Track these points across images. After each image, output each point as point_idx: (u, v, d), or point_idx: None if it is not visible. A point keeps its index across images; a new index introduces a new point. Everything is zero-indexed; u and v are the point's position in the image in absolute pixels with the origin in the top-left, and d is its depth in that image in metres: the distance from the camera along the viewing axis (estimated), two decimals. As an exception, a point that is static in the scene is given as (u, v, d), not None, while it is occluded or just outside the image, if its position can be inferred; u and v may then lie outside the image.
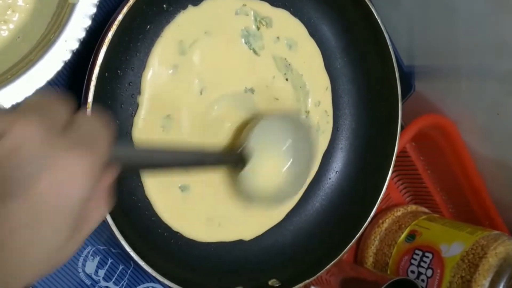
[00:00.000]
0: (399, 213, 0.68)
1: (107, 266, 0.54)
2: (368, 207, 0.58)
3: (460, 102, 0.66)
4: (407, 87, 0.66)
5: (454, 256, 0.58)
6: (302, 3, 0.57)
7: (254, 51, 0.55)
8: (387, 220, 0.67)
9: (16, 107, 0.36)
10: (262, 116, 0.53)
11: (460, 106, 0.66)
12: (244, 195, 0.52)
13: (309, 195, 0.60)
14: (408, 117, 0.64)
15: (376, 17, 0.56)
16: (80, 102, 0.45)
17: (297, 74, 0.57)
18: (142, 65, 0.49)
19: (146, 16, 0.49)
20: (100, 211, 0.31)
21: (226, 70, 0.53)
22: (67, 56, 0.41)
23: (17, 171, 0.26)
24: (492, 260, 0.56)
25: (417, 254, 0.61)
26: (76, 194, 0.27)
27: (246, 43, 0.54)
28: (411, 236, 0.64)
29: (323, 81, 0.59)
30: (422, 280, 0.60)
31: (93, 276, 0.53)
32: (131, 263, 0.54)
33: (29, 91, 0.40)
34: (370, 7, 0.56)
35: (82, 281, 0.53)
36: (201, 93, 0.52)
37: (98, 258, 0.53)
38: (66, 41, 0.41)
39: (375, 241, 0.66)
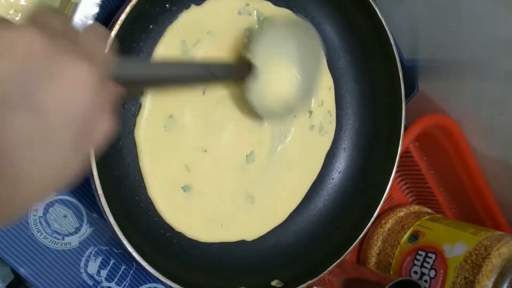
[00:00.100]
0: (402, 214, 0.68)
1: (109, 266, 0.54)
2: (371, 207, 0.58)
3: (464, 102, 0.66)
4: (411, 87, 0.66)
5: (457, 257, 0.58)
6: (305, 2, 0.57)
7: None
8: (390, 220, 0.67)
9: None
10: (263, 26, 0.52)
11: (463, 106, 0.66)
12: (254, 107, 0.52)
13: (312, 195, 0.60)
14: (411, 117, 0.63)
15: (380, 16, 0.56)
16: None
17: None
18: (145, 65, 0.49)
19: (148, 16, 0.48)
20: (105, 125, 0.29)
21: (229, 69, 0.53)
22: (70, 55, 0.41)
23: (20, 84, 0.25)
24: (495, 260, 0.56)
25: (420, 255, 0.61)
26: (79, 103, 0.26)
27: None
28: (414, 236, 0.64)
29: (326, 80, 0.59)
30: (425, 281, 0.60)
31: (95, 277, 0.53)
32: (133, 263, 0.54)
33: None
34: (374, 6, 0.55)
35: (84, 281, 0.53)
36: (203, 93, 0.52)
37: (100, 258, 0.53)
38: (68, 40, 0.41)
39: (378, 241, 0.66)
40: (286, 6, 0.56)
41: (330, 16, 0.58)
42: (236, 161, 0.55)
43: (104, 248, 0.53)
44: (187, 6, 0.51)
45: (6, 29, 0.25)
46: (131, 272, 0.55)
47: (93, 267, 0.53)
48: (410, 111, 0.61)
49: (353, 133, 0.61)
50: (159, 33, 0.49)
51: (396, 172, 0.59)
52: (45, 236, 0.51)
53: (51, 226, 0.51)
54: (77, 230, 0.52)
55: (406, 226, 0.65)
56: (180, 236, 0.52)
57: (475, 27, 0.58)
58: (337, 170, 0.61)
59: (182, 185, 0.52)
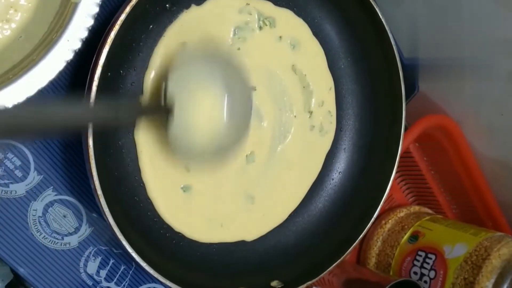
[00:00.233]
0: (402, 214, 0.68)
1: (109, 266, 0.54)
2: (371, 208, 0.58)
3: (464, 102, 0.66)
4: (411, 87, 0.66)
5: (457, 258, 0.58)
6: (305, 2, 0.57)
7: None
8: (390, 221, 0.67)
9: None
10: (179, 57, 0.48)
11: (463, 106, 0.66)
12: (180, 149, 0.47)
13: (312, 196, 0.60)
14: (411, 117, 0.63)
15: (380, 17, 0.56)
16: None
17: (301, 74, 0.57)
18: (145, 65, 0.49)
19: (149, 16, 0.48)
20: None
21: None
22: (70, 55, 0.41)
23: None
24: (495, 261, 0.56)
25: (420, 255, 0.61)
26: None
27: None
28: (414, 237, 0.64)
29: (326, 81, 0.59)
30: (425, 282, 0.60)
31: (95, 277, 0.53)
32: (133, 263, 0.54)
33: (31, 91, 0.40)
34: (374, 6, 0.55)
35: (83, 281, 0.53)
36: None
37: (99, 258, 0.53)
38: (68, 40, 0.41)
39: (377, 242, 0.66)
40: (287, 6, 0.56)
41: (331, 16, 0.58)
42: (236, 161, 0.55)
43: (103, 248, 0.53)
44: (187, 6, 0.50)
45: None
46: (130, 272, 0.55)
47: (92, 267, 0.53)
48: (411, 111, 0.61)
49: (353, 133, 0.61)
50: (159, 33, 0.49)
51: (396, 172, 0.59)
52: (44, 236, 0.50)
53: (50, 226, 0.51)
54: (77, 230, 0.52)
55: (406, 226, 0.65)
56: (179, 237, 0.52)
57: (475, 27, 0.58)
58: (337, 171, 0.61)
59: (182, 186, 0.52)
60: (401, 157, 0.59)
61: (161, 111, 0.45)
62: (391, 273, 0.64)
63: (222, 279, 0.54)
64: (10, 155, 0.48)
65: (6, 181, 0.48)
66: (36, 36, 0.43)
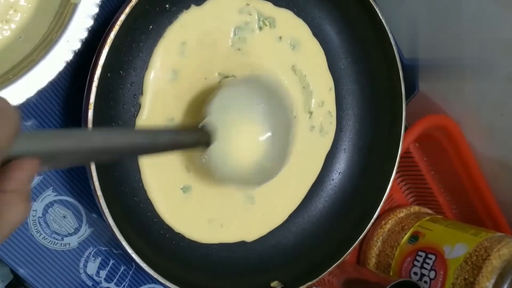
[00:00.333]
0: (402, 214, 0.68)
1: (109, 267, 0.54)
2: (371, 208, 0.58)
3: (464, 103, 0.66)
4: (411, 88, 0.66)
5: (458, 258, 0.58)
6: (305, 2, 0.57)
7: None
8: (390, 221, 0.67)
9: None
10: (224, 84, 0.48)
11: (463, 107, 0.66)
12: (218, 176, 0.49)
13: (312, 196, 0.60)
14: (411, 117, 0.63)
15: (380, 17, 0.56)
16: (82, 103, 0.45)
17: (301, 74, 0.57)
18: (145, 66, 0.49)
19: (148, 16, 0.48)
20: (16, 209, 0.27)
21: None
22: (69, 56, 0.41)
23: None
24: (495, 262, 0.56)
25: (420, 256, 0.61)
26: None
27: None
28: (414, 237, 0.63)
29: (326, 81, 0.59)
30: (425, 282, 0.60)
31: (95, 277, 0.53)
32: (133, 264, 0.54)
33: (31, 92, 0.40)
34: (374, 6, 0.55)
35: (83, 282, 0.53)
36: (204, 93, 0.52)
37: (99, 259, 0.53)
38: (68, 41, 0.41)
39: (377, 242, 0.66)
40: (287, 7, 0.56)
41: (331, 16, 0.58)
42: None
43: (103, 248, 0.53)
44: (187, 7, 0.50)
45: None
46: (130, 272, 0.55)
47: (92, 268, 0.53)
48: (411, 111, 0.61)
49: (353, 134, 0.61)
50: (159, 34, 0.49)
51: (396, 172, 0.59)
52: (44, 236, 0.50)
53: (50, 226, 0.51)
54: (76, 230, 0.52)
55: (406, 227, 0.65)
56: (179, 237, 0.52)
57: (475, 27, 0.58)
58: (337, 171, 0.61)
59: (181, 186, 0.52)
60: (401, 157, 0.59)
61: (202, 140, 0.45)
62: (391, 273, 0.64)
63: (222, 280, 0.54)
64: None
65: (6, 182, 0.48)
66: (36, 37, 0.43)
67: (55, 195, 0.51)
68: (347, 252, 0.57)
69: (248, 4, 0.53)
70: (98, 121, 0.44)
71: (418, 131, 0.65)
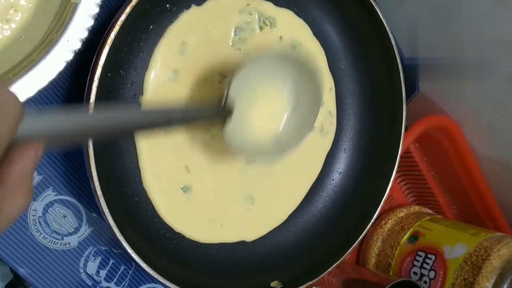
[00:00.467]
0: (402, 214, 0.68)
1: (109, 266, 0.54)
2: (371, 208, 0.58)
3: (464, 103, 0.66)
4: (411, 88, 0.66)
5: (457, 258, 0.58)
6: (306, 2, 0.57)
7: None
8: (390, 221, 0.67)
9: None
10: (247, 59, 0.48)
11: (464, 107, 0.66)
12: (233, 149, 0.49)
13: (312, 196, 0.60)
14: (412, 117, 0.63)
15: (381, 17, 0.56)
16: (82, 103, 0.44)
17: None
18: (145, 65, 0.49)
19: (149, 16, 0.48)
20: (16, 201, 0.26)
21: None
22: (70, 56, 0.41)
23: None
24: (495, 262, 0.56)
25: (420, 256, 0.61)
26: None
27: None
28: (414, 237, 0.63)
29: (327, 81, 0.59)
30: (425, 282, 0.60)
31: (95, 277, 0.53)
32: (133, 263, 0.54)
33: (31, 92, 0.40)
34: (375, 7, 0.55)
35: (83, 281, 0.53)
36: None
37: (99, 258, 0.53)
38: (68, 41, 0.41)
39: (377, 242, 0.66)
40: (287, 7, 0.56)
41: (331, 16, 0.58)
42: (237, 162, 0.55)
43: (103, 248, 0.53)
44: (187, 6, 0.50)
45: None
46: (130, 272, 0.55)
47: (92, 267, 0.53)
48: (411, 111, 0.61)
49: (353, 134, 0.61)
50: (159, 34, 0.49)
51: (397, 172, 0.59)
52: (44, 236, 0.50)
53: (50, 226, 0.51)
54: (76, 230, 0.52)
55: (406, 226, 0.65)
56: (179, 237, 0.52)
57: (475, 27, 0.58)
58: (337, 171, 0.61)
59: (182, 186, 0.52)
60: (401, 157, 0.59)
61: (220, 114, 0.45)
62: (391, 273, 0.64)
63: (222, 280, 0.54)
64: (10, 155, 0.48)
65: (6, 181, 0.48)
66: (36, 37, 0.43)
67: (55, 195, 0.51)
68: (347, 252, 0.57)
69: (248, 4, 0.53)
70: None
71: (418, 131, 0.65)
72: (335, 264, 0.56)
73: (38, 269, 0.51)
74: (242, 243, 0.56)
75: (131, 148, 0.49)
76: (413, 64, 0.66)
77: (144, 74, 0.49)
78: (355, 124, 0.61)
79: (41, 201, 0.50)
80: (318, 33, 0.58)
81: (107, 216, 0.44)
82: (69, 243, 0.52)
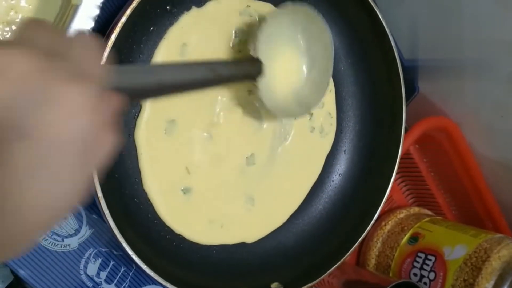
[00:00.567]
0: (402, 215, 0.68)
1: (109, 268, 0.54)
2: (371, 209, 0.58)
3: (464, 104, 0.66)
4: (411, 89, 0.66)
5: (457, 259, 0.58)
6: (305, 4, 0.57)
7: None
8: (389, 222, 0.67)
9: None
10: (267, 17, 0.50)
11: (463, 108, 0.66)
12: (266, 106, 0.50)
13: (312, 198, 0.60)
14: (411, 118, 0.63)
15: (381, 19, 0.56)
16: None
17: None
18: (145, 67, 0.49)
19: (149, 18, 0.48)
20: (108, 142, 0.27)
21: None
22: (70, 58, 0.41)
23: (16, 110, 0.23)
24: (495, 263, 0.56)
25: (420, 257, 0.61)
26: (78, 127, 0.25)
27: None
28: (414, 238, 0.63)
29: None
30: (425, 283, 0.60)
31: (95, 278, 0.53)
32: (133, 265, 0.54)
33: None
34: (375, 7, 0.55)
35: (83, 283, 0.53)
36: (204, 95, 0.52)
37: (99, 260, 0.53)
38: (69, 43, 0.41)
39: (377, 243, 0.66)
40: (287, 8, 0.56)
41: (331, 17, 0.58)
42: (237, 163, 0.55)
43: (103, 249, 0.53)
44: (188, 8, 0.50)
45: (3, 56, 0.23)
46: (130, 274, 0.55)
47: (92, 269, 0.53)
48: (411, 113, 0.61)
49: (353, 135, 0.61)
50: (160, 35, 0.49)
51: (396, 173, 0.59)
52: (44, 237, 0.50)
53: (50, 227, 0.51)
54: (77, 231, 0.52)
55: (406, 228, 0.65)
56: (180, 238, 0.52)
57: (475, 28, 0.58)
58: (337, 172, 0.61)
59: (182, 187, 0.52)
60: (401, 158, 0.59)
61: (252, 71, 0.48)
62: (390, 274, 0.64)
63: (223, 281, 0.54)
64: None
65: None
66: (37, 38, 0.43)
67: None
68: (347, 253, 0.57)
69: (248, 6, 0.53)
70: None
71: (418, 133, 0.65)
72: (335, 265, 0.56)
73: (39, 271, 0.51)
74: (242, 244, 0.56)
75: (131, 149, 0.50)
76: (413, 65, 0.66)
77: (144, 76, 0.49)
78: (355, 125, 0.61)
79: (42, 202, 0.50)
80: (318, 35, 0.58)
81: (108, 218, 0.44)
82: (69, 245, 0.52)
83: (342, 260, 0.56)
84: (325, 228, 0.60)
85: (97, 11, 0.42)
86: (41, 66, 0.24)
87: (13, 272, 0.51)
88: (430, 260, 0.60)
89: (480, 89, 0.63)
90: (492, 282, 0.55)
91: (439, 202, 0.72)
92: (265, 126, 0.56)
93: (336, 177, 0.61)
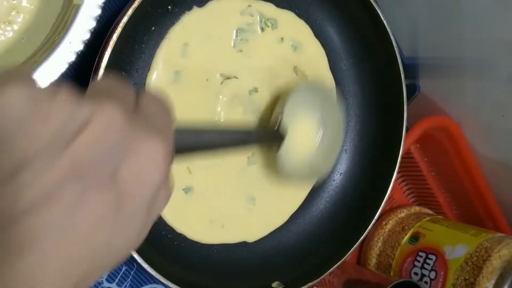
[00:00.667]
0: (402, 215, 0.68)
1: (110, 267, 0.54)
2: (372, 209, 0.58)
3: (465, 103, 0.65)
4: (412, 89, 0.66)
5: (458, 258, 0.58)
6: (307, 4, 0.57)
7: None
8: (390, 221, 0.67)
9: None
10: (293, 89, 0.53)
11: (464, 107, 0.66)
12: (282, 168, 0.53)
13: (313, 197, 0.60)
14: (412, 118, 0.63)
15: (382, 18, 0.56)
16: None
17: (302, 75, 0.57)
18: (147, 67, 0.49)
19: (150, 18, 0.48)
20: (167, 196, 0.28)
21: (231, 71, 0.53)
22: (72, 57, 0.41)
23: (100, 160, 0.24)
24: (496, 262, 0.56)
25: (421, 256, 0.61)
26: (156, 181, 0.26)
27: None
28: (415, 237, 0.63)
29: (328, 82, 0.59)
30: (426, 282, 0.60)
31: (96, 278, 0.53)
32: (134, 264, 0.54)
33: (33, 93, 0.40)
34: (376, 8, 0.55)
35: (85, 282, 0.53)
36: (205, 96, 0.52)
37: (101, 259, 0.53)
38: (70, 42, 0.41)
39: (378, 242, 0.66)
40: (289, 8, 0.56)
41: (332, 17, 0.58)
42: (238, 163, 0.55)
43: (105, 249, 0.53)
44: (189, 8, 0.50)
45: (88, 101, 0.24)
46: (132, 273, 0.55)
47: (94, 268, 0.53)
48: (412, 112, 0.61)
49: (354, 134, 0.61)
50: (161, 35, 0.49)
51: (397, 173, 0.59)
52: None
53: (52, 227, 0.51)
54: (78, 231, 0.52)
55: (406, 227, 0.65)
56: (181, 238, 0.52)
57: (475, 27, 0.58)
58: (338, 172, 0.61)
59: (183, 187, 0.52)
60: (402, 158, 0.59)
61: (275, 138, 0.51)
62: (391, 273, 0.64)
63: (223, 280, 0.54)
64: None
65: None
66: (39, 38, 0.43)
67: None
68: (348, 253, 0.57)
69: (250, 6, 0.53)
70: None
71: (419, 132, 0.65)
72: (336, 264, 0.56)
73: (40, 270, 0.50)
74: (243, 244, 0.56)
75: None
76: (414, 64, 0.66)
77: (146, 76, 0.49)
78: (356, 125, 0.61)
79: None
80: (319, 34, 0.58)
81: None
82: (71, 244, 0.52)
83: (343, 259, 0.56)
84: (326, 227, 0.60)
85: (98, 11, 0.42)
86: (125, 119, 0.24)
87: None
88: (431, 259, 0.60)
89: (481, 89, 0.63)
90: (493, 281, 0.55)
91: (440, 201, 0.72)
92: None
93: (337, 176, 0.61)
